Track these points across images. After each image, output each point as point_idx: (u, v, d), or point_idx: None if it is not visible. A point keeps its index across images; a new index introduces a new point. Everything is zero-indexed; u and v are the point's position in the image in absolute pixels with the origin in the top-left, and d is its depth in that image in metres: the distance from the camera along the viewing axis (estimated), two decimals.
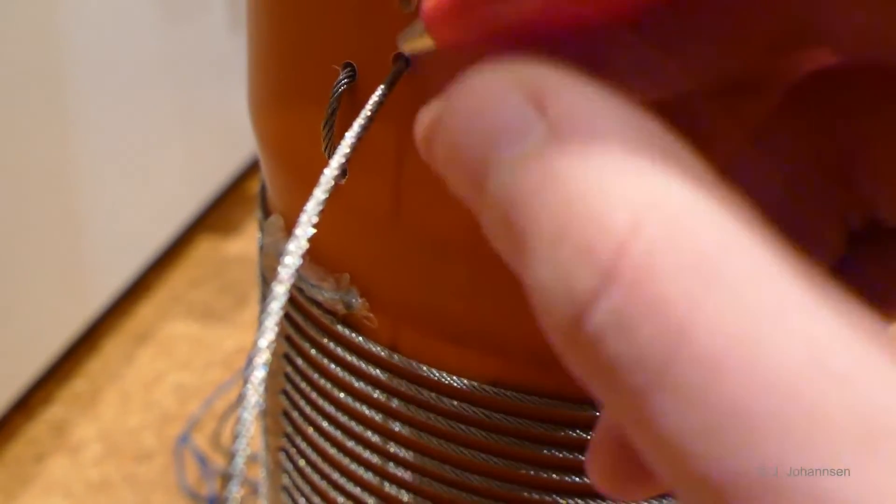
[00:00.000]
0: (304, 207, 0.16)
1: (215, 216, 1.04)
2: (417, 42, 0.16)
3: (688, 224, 0.10)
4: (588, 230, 0.10)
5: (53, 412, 0.70)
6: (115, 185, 0.81)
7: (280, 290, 0.15)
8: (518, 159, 0.11)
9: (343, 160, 0.19)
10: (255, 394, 0.13)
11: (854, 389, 0.09)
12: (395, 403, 0.26)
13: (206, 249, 0.96)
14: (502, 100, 0.11)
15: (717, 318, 0.09)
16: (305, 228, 0.15)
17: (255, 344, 0.13)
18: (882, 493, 0.08)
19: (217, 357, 0.78)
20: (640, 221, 0.10)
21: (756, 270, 0.09)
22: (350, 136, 0.19)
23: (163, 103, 0.90)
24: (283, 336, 0.30)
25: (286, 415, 0.32)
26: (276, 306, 0.14)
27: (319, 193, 0.16)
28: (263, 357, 0.13)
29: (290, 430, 0.32)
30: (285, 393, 0.31)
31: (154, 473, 0.65)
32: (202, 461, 0.65)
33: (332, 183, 0.18)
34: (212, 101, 1.02)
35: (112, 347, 0.79)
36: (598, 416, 0.24)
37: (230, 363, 0.76)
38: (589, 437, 0.24)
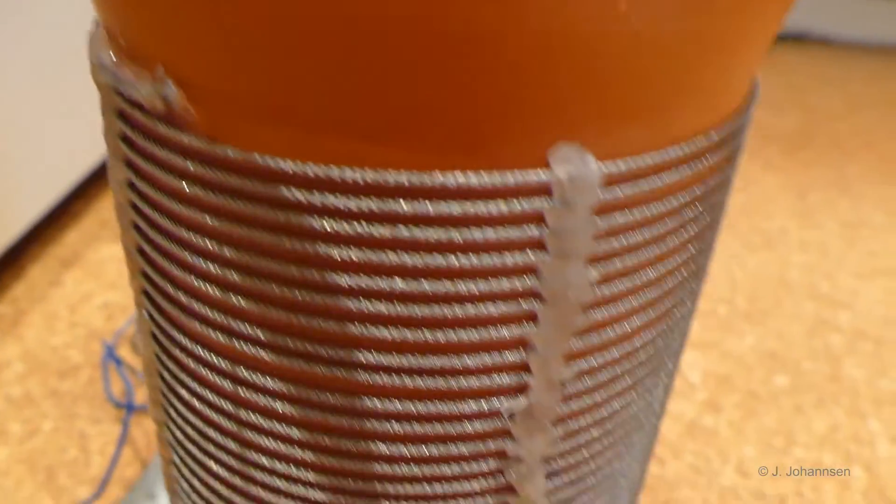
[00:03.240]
0: None
1: None
2: None
3: None
4: None
5: None
6: (37, 113, 0.78)
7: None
8: None
9: None
10: None
11: None
12: (225, 202, 0.25)
13: None
14: None
15: None
16: None
17: None
18: None
19: None
20: None
21: None
22: None
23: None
24: (123, 162, 0.29)
25: (141, 252, 0.30)
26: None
27: None
28: None
29: (145, 266, 0.30)
30: (136, 227, 0.30)
31: (79, 387, 0.63)
32: (128, 372, 0.64)
33: None
34: None
35: (37, 272, 0.77)
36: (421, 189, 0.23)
37: None
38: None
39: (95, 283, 0.76)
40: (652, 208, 0.26)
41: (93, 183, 0.91)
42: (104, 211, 0.88)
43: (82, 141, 0.87)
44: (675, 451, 0.62)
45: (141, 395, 0.62)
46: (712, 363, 0.73)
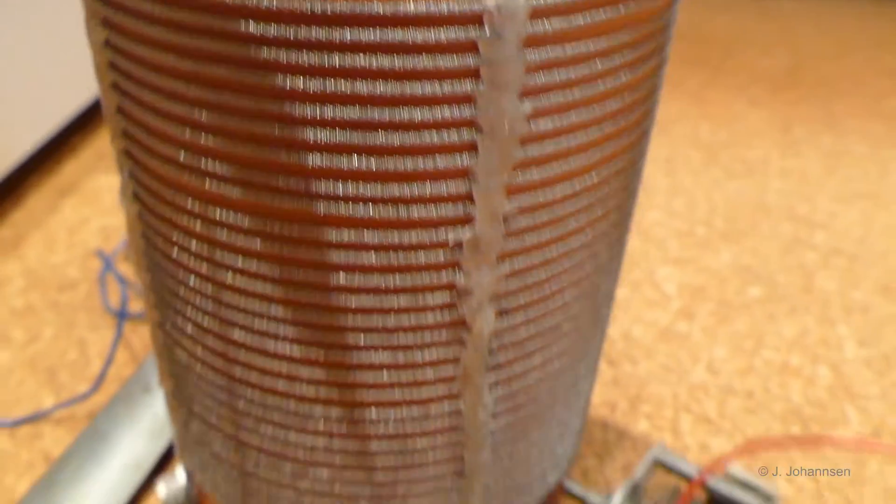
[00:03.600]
0: None
1: None
2: None
3: None
4: None
5: None
6: (35, 47, 0.80)
7: None
8: None
9: None
10: None
11: None
12: (189, 41, 0.27)
13: None
14: None
15: None
16: None
17: None
18: None
19: None
20: None
21: None
22: None
23: None
24: (99, 21, 0.31)
25: (120, 110, 0.33)
26: None
27: None
28: None
29: (124, 123, 0.33)
30: (114, 86, 0.32)
31: (78, 299, 0.66)
32: (125, 285, 0.67)
33: None
34: None
35: (36, 201, 0.80)
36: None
37: None
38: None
39: (92, 209, 0.79)
40: (582, 46, 0.28)
41: (90, 117, 0.94)
42: (101, 144, 0.90)
43: (80, 75, 0.89)
44: (648, 353, 0.65)
45: (137, 306, 0.65)
46: (688, 276, 0.75)
